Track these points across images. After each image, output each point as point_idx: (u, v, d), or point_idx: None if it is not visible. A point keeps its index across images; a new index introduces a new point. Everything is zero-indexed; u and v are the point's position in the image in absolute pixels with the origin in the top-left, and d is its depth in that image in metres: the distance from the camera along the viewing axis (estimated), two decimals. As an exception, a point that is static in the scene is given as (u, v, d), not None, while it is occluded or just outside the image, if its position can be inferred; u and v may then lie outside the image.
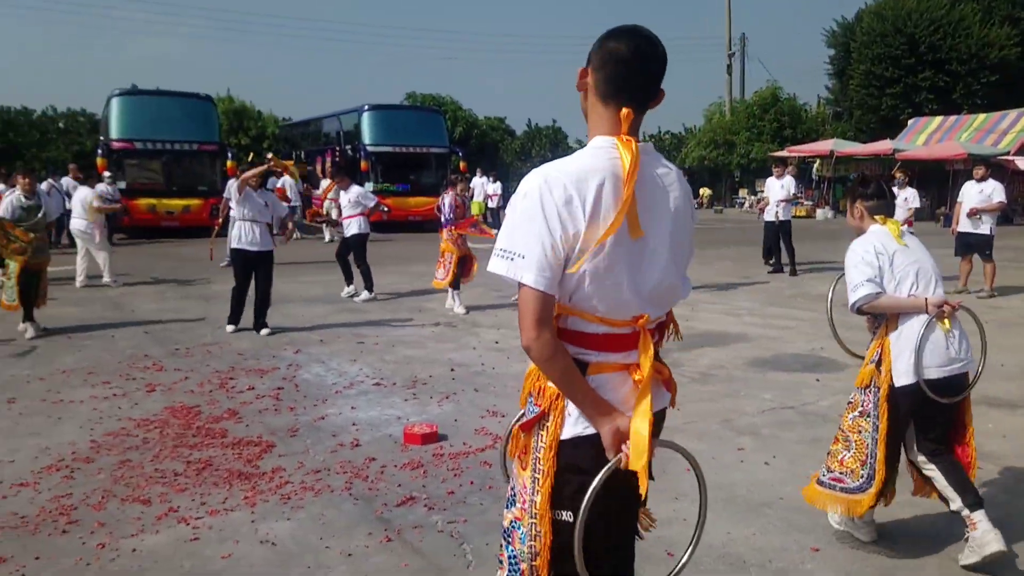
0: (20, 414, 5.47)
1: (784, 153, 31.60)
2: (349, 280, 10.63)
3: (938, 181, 26.32)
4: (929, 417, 3.47)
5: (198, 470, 4.42)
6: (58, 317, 8.98)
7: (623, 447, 1.84)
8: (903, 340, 3.44)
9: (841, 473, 3.52)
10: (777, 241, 13.37)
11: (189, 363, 6.95)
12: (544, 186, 1.81)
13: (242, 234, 8.09)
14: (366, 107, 23.23)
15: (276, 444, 4.85)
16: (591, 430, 1.90)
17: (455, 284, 9.52)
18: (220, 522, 3.77)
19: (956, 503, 3.36)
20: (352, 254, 10.51)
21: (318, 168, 26.29)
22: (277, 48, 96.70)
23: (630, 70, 1.88)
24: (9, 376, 6.49)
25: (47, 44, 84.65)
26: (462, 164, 24.21)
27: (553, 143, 40.04)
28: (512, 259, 1.81)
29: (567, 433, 1.92)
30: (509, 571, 2.02)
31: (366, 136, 22.77)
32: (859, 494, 3.42)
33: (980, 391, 5.99)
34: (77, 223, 11.78)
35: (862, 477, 3.45)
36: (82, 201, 11.81)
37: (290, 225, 9.29)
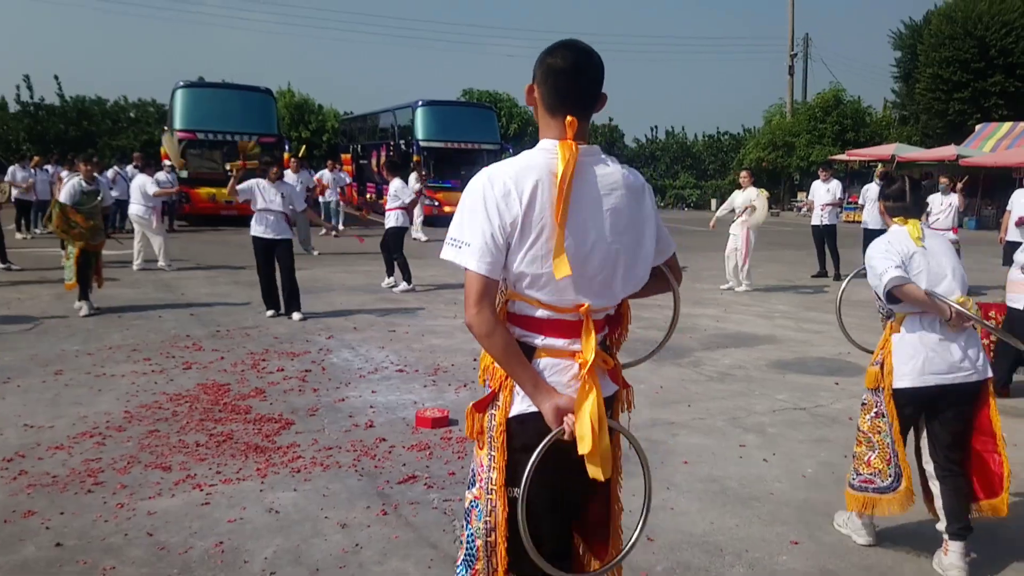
0: (65, 385, 5.84)
1: (844, 157, 31.03)
2: (390, 271, 10.92)
3: (1004, 189, 25.53)
4: (939, 424, 3.43)
5: (219, 442, 4.69)
6: (113, 297, 9.46)
7: (565, 420, 1.97)
8: (905, 343, 3.46)
9: (870, 475, 3.53)
10: (822, 245, 13.23)
11: (227, 344, 7.29)
12: (487, 182, 2.01)
13: (259, 222, 8.51)
14: (419, 103, 23.58)
15: (295, 422, 5.10)
16: (524, 407, 2.06)
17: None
18: (231, 490, 4.02)
19: (942, 525, 3.41)
20: (390, 247, 10.80)
21: (372, 162, 26.81)
22: (340, 43, 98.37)
23: (570, 81, 2.05)
24: (60, 350, 6.90)
25: (122, 35, 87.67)
26: (513, 161, 24.41)
27: (609, 141, 39.89)
28: (459, 247, 2.01)
29: (515, 411, 2.07)
30: (466, 549, 2.17)
31: (419, 131, 23.11)
32: (890, 493, 3.46)
33: (1004, 402, 5.94)
34: (135, 208, 12.35)
35: (890, 476, 3.46)
36: (140, 187, 12.36)
37: (311, 217, 9.69)
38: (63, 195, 8.38)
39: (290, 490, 4.04)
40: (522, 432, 2.06)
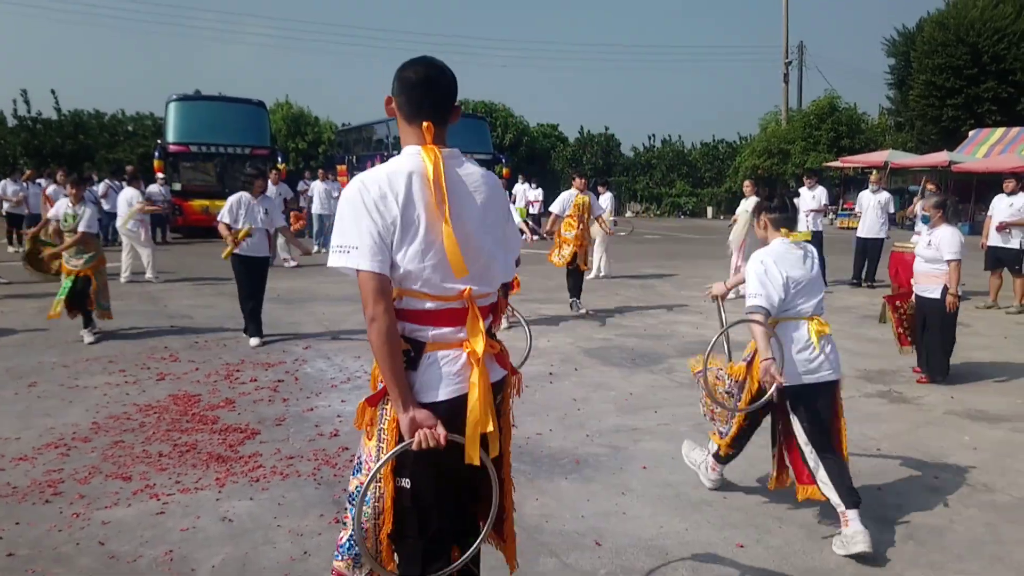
0: (38, 397, 5.88)
1: (838, 164, 31.09)
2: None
3: (997, 194, 25.58)
4: (812, 415, 3.79)
5: (182, 452, 4.73)
6: (95, 310, 9.50)
7: (417, 434, 2.13)
8: (776, 346, 3.73)
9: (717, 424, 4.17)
10: (808, 252, 13.27)
11: (203, 355, 7.33)
12: (362, 187, 2.16)
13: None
14: (410, 113, 23.69)
15: (260, 432, 5.14)
16: (428, 399, 2.20)
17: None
18: (188, 499, 4.06)
19: (835, 499, 3.62)
20: None
21: (367, 173, 26.89)
22: (337, 56, 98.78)
23: (424, 92, 2.26)
24: (37, 362, 6.95)
25: (119, 49, 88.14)
26: (505, 171, 24.47)
27: (605, 150, 39.96)
28: (347, 252, 2.14)
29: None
30: (351, 531, 2.31)
31: (410, 142, 23.22)
32: (724, 438, 4.06)
33: (969, 404, 5.99)
34: (121, 221, 12.44)
35: (727, 427, 4.08)
36: (127, 201, 12.45)
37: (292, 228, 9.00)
38: (51, 211, 8.17)
39: (246, 499, 4.08)
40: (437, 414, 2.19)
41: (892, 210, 13.01)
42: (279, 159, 21.82)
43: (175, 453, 4.72)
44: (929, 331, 6.67)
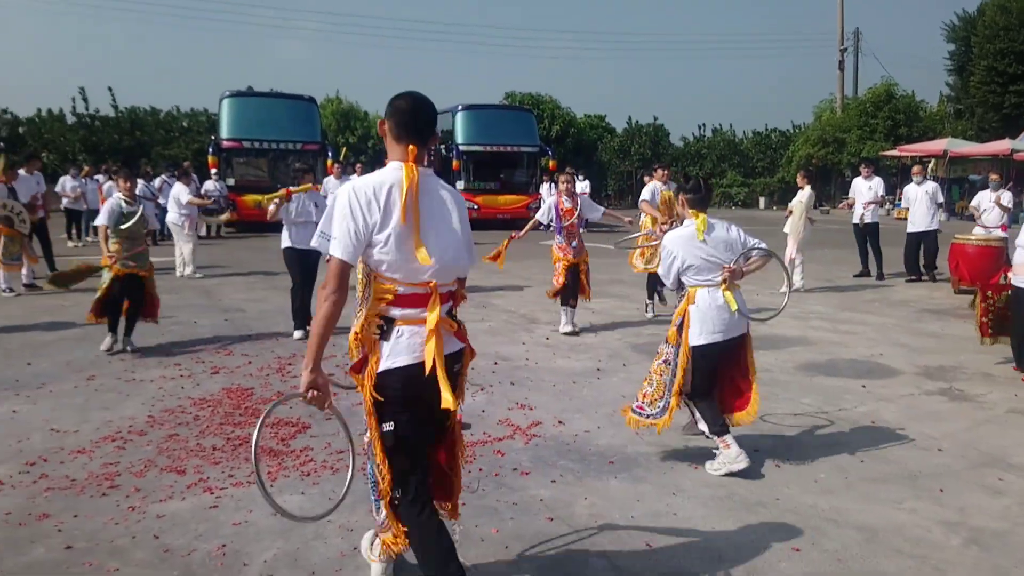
0: (96, 390, 6.02)
1: (895, 153, 30.30)
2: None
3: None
4: (713, 369, 4.55)
5: (235, 446, 4.80)
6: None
7: (308, 394, 2.77)
8: (697, 311, 4.50)
9: (644, 403, 4.62)
10: (865, 244, 12.95)
11: (256, 349, 7.43)
12: (352, 194, 2.72)
13: (292, 233, 8.00)
14: (459, 107, 23.73)
15: (311, 426, 5.18)
16: (397, 363, 2.74)
17: (564, 299, 8.25)
18: (241, 493, 4.11)
19: (709, 429, 4.46)
20: None
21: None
22: (388, 50, 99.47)
23: (410, 119, 2.81)
24: (96, 356, 7.11)
25: (175, 47, 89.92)
26: (552, 163, 24.39)
27: (654, 140, 39.53)
28: (328, 239, 2.74)
29: (381, 367, 2.76)
30: (371, 480, 3.12)
31: (459, 135, 23.26)
32: (657, 419, 4.55)
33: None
34: (171, 216, 12.75)
35: (658, 408, 4.56)
36: (175, 196, 12.76)
37: None
38: (101, 216, 7.42)
39: (298, 493, 4.11)
40: (386, 380, 2.76)
41: (940, 200, 12.61)
42: (329, 154, 22.03)
43: (228, 447, 4.78)
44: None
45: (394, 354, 2.74)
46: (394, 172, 2.76)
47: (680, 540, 3.61)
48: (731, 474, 4.34)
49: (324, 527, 3.73)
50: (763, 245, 4.67)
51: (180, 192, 12.86)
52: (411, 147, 2.77)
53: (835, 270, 13.48)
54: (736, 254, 4.55)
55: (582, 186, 22.96)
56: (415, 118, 2.81)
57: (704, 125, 42.12)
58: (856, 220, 12.97)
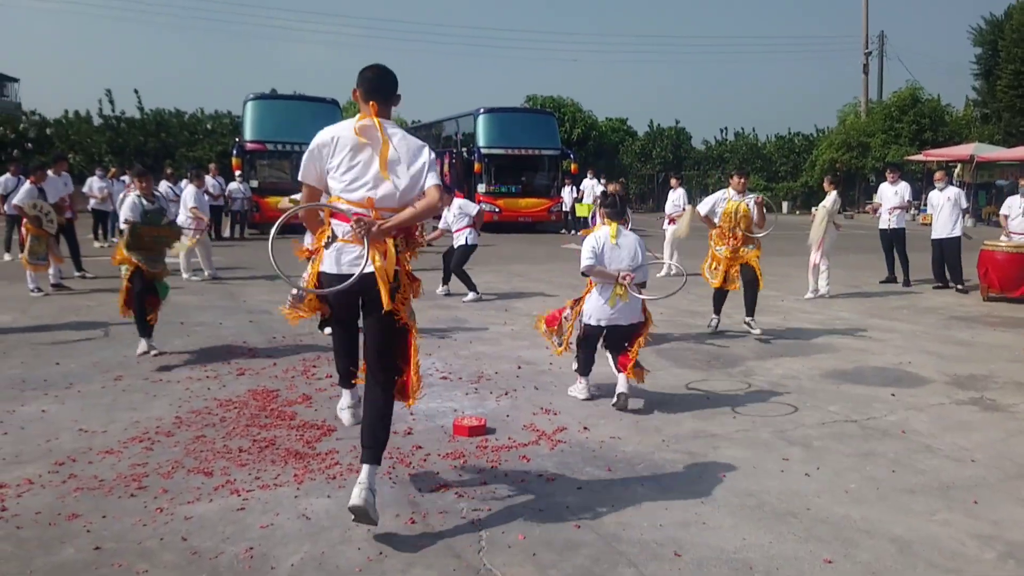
0: (123, 390, 6.06)
1: (920, 157, 30.00)
2: (446, 280, 11.02)
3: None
4: (611, 341, 5.91)
5: (261, 448, 4.80)
6: (176, 304, 9.79)
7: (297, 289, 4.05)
8: (593, 298, 5.81)
9: (554, 329, 6.10)
10: (891, 250, 12.80)
11: (281, 350, 7.46)
12: (317, 138, 3.73)
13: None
14: (481, 110, 23.76)
15: (336, 428, 5.17)
16: (326, 270, 3.74)
17: None
18: (268, 495, 4.11)
19: (614, 370, 5.79)
20: (454, 260, 10.86)
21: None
22: (410, 53, 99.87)
23: (373, 84, 3.75)
24: (123, 356, 7.17)
25: (200, 50, 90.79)
26: (573, 166, 24.35)
27: (675, 143, 39.39)
28: (302, 171, 3.78)
29: (321, 269, 3.78)
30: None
31: (480, 139, 23.28)
32: (557, 347, 6.04)
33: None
34: (180, 218, 12.81)
35: (557, 340, 6.05)
36: (184, 199, 12.85)
37: None
38: (124, 211, 7.42)
39: (324, 496, 4.11)
40: (324, 281, 3.78)
41: (964, 205, 12.44)
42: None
43: (254, 448, 4.79)
44: None
45: (327, 261, 3.73)
46: (351, 120, 3.71)
47: (710, 550, 3.57)
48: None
49: (350, 530, 3.72)
50: (651, 261, 6.17)
51: (188, 195, 12.90)
52: (372, 103, 3.68)
53: (861, 276, 13.35)
54: (636, 262, 5.79)
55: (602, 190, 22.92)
56: (377, 83, 3.75)
57: (726, 129, 41.96)
58: (883, 225, 12.83)
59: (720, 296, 8.51)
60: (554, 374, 6.66)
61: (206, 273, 12.64)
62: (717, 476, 4.46)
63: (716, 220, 8.28)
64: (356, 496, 3.58)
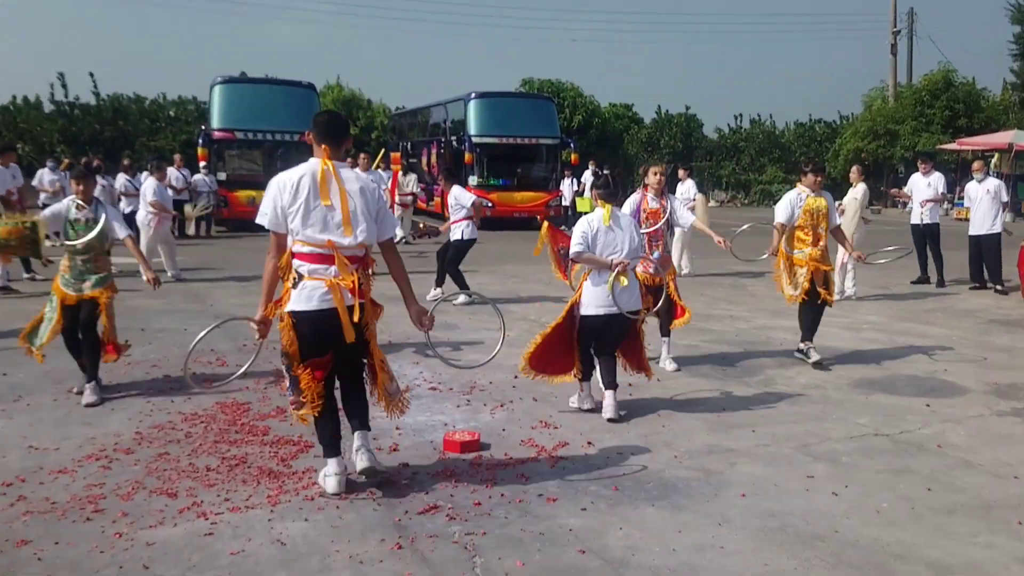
0: (77, 404, 6.03)
1: (954, 146, 30.09)
2: (440, 282, 10.95)
3: None
4: (607, 333, 5.89)
5: (231, 466, 4.78)
6: (137, 309, 9.78)
7: (260, 328, 4.53)
8: (589, 288, 5.85)
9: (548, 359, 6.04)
10: (924, 247, 12.82)
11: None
12: (277, 181, 4.35)
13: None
14: (472, 95, 23.74)
15: (314, 445, 5.14)
16: (298, 308, 4.28)
17: (664, 329, 7.30)
18: (238, 519, 4.08)
19: (605, 381, 5.79)
20: (448, 257, 10.82)
21: (423, 161, 27.07)
22: (393, 33, 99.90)
23: (325, 130, 4.41)
24: (76, 365, 7.10)
25: (161, 30, 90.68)
26: (574, 156, 24.35)
27: (685, 132, 39.45)
28: (263, 215, 4.34)
29: (289, 308, 4.33)
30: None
31: (471, 126, 23.26)
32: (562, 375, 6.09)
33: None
34: (140, 213, 12.81)
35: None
36: (143, 193, 12.86)
37: None
38: (44, 216, 6.59)
39: (301, 520, 4.09)
40: (297, 321, 4.32)
41: (1005, 199, 12.47)
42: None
43: (224, 467, 4.77)
44: None
45: (297, 301, 4.27)
46: (311, 165, 4.35)
47: (728, 576, 3.55)
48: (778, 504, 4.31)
49: (330, 557, 3.70)
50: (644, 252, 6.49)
51: (148, 189, 12.86)
52: (324, 148, 4.36)
53: (891, 276, 13.35)
54: (633, 246, 5.92)
55: (607, 182, 22.93)
56: (329, 129, 4.42)
57: (741, 116, 42.03)
58: (914, 220, 12.86)
59: (813, 314, 7.50)
60: (554, 384, 6.64)
61: (169, 274, 12.60)
62: (735, 495, 4.45)
63: (793, 222, 7.44)
64: (362, 460, 4.41)
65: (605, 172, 6.40)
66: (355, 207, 4.30)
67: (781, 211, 7.47)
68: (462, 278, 10.69)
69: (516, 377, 6.81)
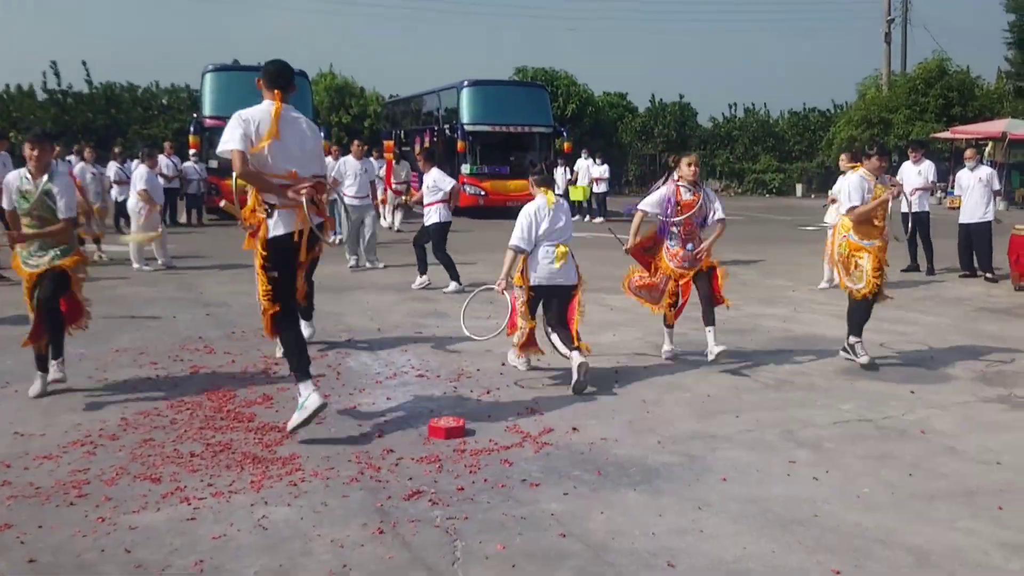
0: (63, 391, 6.02)
1: (948, 135, 30.11)
2: (423, 270, 10.92)
3: None
4: (553, 304, 6.47)
5: (215, 452, 4.79)
6: (126, 297, 9.78)
7: (292, 193, 4.92)
8: (534, 258, 6.42)
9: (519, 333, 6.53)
10: (914, 235, 12.83)
11: (240, 346, 7.43)
12: (239, 115, 4.89)
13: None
14: (465, 83, 23.68)
15: (300, 432, 5.17)
16: (275, 232, 4.95)
17: (709, 319, 6.84)
18: (221, 504, 4.10)
19: (566, 351, 6.18)
20: (431, 244, 10.79)
21: (416, 149, 27.00)
22: (387, 21, 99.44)
23: (275, 76, 5.02)
24: (65, 352, 7.11)
25: (154, 17, 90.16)
26: (567, 145, 24.32)
27: (679, 120, 39.41)
28: (227, 142, 4.80)
29: (270, 235, 4.95)
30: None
31: (464, 114, 23.20)
32: (520, 339, 6.53)
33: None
34: (131, 201, 12.79)
35: (521, 331, 6.51)
36: (134, 181, 12.83)
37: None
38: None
39: (283, 505, 4.10)
40: (273, 245, 4.96)
41: (996, 187, 12.49)
42: (322, 134, 21.99)
43: (208, 453, 4.78)
44: None
45: (275, 226, 4.91)
46: (267, 105, 4.96)
47: (707, 560, 3.58)
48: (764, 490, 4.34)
49: (312, 541, 3.72)
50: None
51: (138, 177, 12.81)
52: (276, 92, 4.97)
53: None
54: (570, 225, 6.61)
55: (600, 170, 22.93)
56: (279, 76, 5.04)
57: (735, 104, 41.98)
58: (906, 209, 12.85)
59: (867, 307, 7.03)
60: (542, 371, 6.67)
61: (160, 262, 12.58)
62: (717, 481, 4.47)
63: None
64: (317, 398, 4.96)
65: (541, 164, 7.48)
66: (306, 143, 5.07)
67: (855, 193, 6.91)
68: (452, 264, 10.65)
69: (504, 364, 6.84)
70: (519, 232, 6.36)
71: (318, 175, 5.14)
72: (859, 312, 7.01)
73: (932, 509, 4.15)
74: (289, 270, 5.08)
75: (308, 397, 4.96)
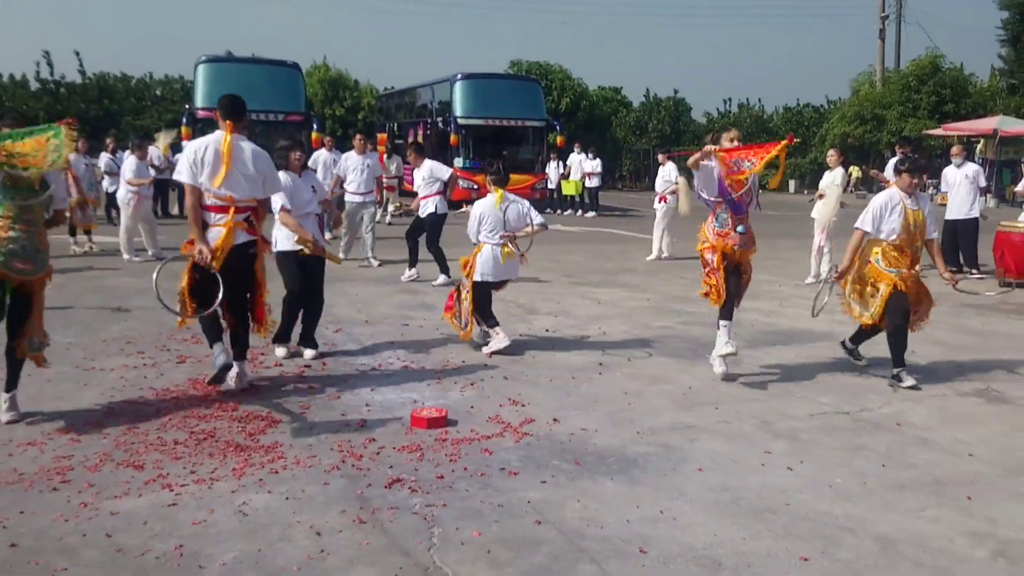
0: (49, 380, 6.06)
1: (940, 132, 30.21)
2: (413, 263, 10.95)
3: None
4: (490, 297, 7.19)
5: (199, 440, 4.85)
6: (115, 288, 9.81)
7: (200, 252, 5.49)
8: (483, 258, 7.08)
9: (454, 318, 7.26)
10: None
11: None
12: (190, 147, 5.69)
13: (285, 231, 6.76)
14: (459, 76, 23.70)
15: (282, 420, 5.23)
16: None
17: (727, 310, 6.35)
18: (202, 491, 4.15)
19: (487, 324, 7.09)
20: (425, 236, 10.78)
21: (409, 142, 27.02)
22: (381, 13, 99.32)
23: (229, 108, 5.70)
24: (52, 342, 7.14)
25: (148, 8, 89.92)
26: (560, 139, 24.34)
27: (673, 116, 39.44)
28: (179, 173, 5.67)
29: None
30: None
31: (457, 107, 23.23)
32: (463, 330, 7.14)
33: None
34: (120, 192, 12.80)
35: (463, 322, 7.14)
36: (123, 172, 12.86)
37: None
38: None
39: (264, 492, 4.16)
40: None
41: (983, 183, 12.58)
42: (314, 127, 22.01)
43: (191, 441, 4.83)
44: None
45: (208, 239, 5.52)
46: (216, 135, 5.59)
47: (678, 546, 3.65)
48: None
49: (290, 527, 3.78)
50: (541, 220, 7.37)
51: (128, 167, 12.82)
52: (228, 123, 5.58)
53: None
54: (523, 223, 7.20)
55: (592, 165, 22.97)
56: (231, 108, 5.65)
57: (730, 100, 42.12)
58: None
59: (869, 335, 6.78)
60: (526, 363, 6.74)
61: (149, 253, 12.61)
62: (693, 470, 4.55)
63: (886, 237, 6.31)
64: (238, 367, 5.87)
65: (497, 164, 7.50)
66: (248, 169, 5.62)
67: (867, 220, 6.34)
68: (444, 258, 10.63)
69: (490, 356, 6.90)
70: (472, 224, 7.21)
71: (259, 198, 5.79)
72: (898, 338, 6.37)
73: (901, 499, 4.23)
74: (210, 275, 5.52)
75: (217, 357, 5.77)
